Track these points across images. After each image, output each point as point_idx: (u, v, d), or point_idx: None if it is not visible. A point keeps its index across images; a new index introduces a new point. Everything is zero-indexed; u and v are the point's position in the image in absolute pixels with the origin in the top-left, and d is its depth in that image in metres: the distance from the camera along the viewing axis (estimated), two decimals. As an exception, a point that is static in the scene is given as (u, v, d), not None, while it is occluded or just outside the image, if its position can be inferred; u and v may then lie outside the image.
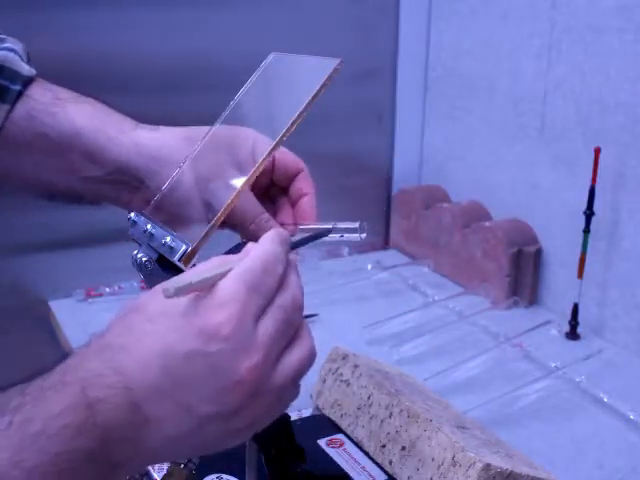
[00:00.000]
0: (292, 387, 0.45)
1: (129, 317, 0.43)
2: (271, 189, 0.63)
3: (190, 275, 0.43)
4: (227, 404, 0.42)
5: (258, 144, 0.57)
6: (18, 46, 0.64)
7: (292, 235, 0.59)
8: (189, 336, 0.41)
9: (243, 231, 0.60)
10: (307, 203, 0.61)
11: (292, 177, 0.62)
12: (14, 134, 0.61)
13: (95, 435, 0.39)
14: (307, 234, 0.58)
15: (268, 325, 0.43)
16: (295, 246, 0.50)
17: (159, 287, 0.43)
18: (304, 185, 0.62)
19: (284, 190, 0.63)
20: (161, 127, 0.63)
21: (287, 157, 0.61)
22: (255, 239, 0.49)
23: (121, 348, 0.42)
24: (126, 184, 0.61)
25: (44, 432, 0.38)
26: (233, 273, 0.43)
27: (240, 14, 1.13)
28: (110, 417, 0.40)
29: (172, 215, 0.56)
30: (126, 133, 0.62)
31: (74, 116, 0.61)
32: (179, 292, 0.41)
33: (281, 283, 0.45)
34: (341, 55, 0.53)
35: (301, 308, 0.46)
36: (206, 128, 0.60)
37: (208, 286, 0.43)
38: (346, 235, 0.57)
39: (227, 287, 0.42)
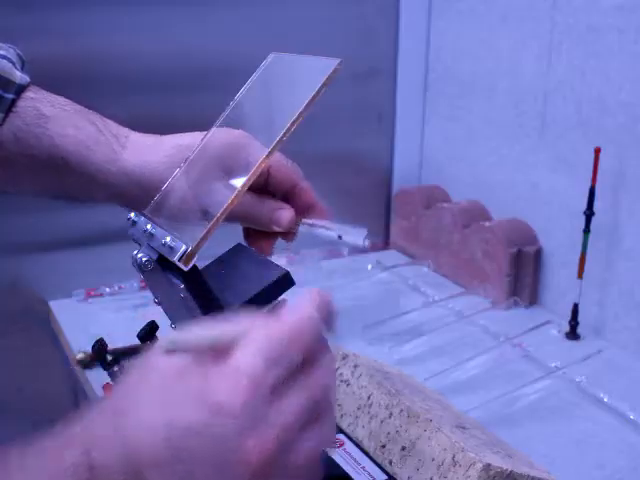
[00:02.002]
0: (311, 467, 0.42)
1: (137, 379, 0.42)
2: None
3: (195, 331, 0.41)
4: None
5: (252, 153, 0.56)
6: (10, 52, 0.64)
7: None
8: (195, 408, 0.39)
9: (256, 224, 0.60)
10: (304, 194, 0.60)
11: (288, 190, 0.61)
12: (3, 154, 0.61)
13: None
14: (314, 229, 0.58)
15: (288, 405, 0.39)
16: None
17: (161, 344, 0.41)
18: (305, 199, 0.60)
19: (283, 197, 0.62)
20: (146, 145, 0.62)
21: (280, 172, 0.60)
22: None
23: (128, 413, 0.41)
24: (117, 202, 0.62)
25: None
26: (254, 344, 0.39)
27: (240, 14, 1.13)
28: None
29: (171, 215, 0.56)
30: (112, 161, 0.61)
31: (59, 142, 0.61)
32: (176, 347, 0.40)
33: (310, 358, 0.41)
34: (341, 55, 0.53)
35: (331, 389, 0.42)
36: (191, 143, 0.60)
37: (211, 345, 0.40)
38: (348, 239, 0.57)
39: (244, 360, 0.39)
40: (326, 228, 0.58)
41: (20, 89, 0.62)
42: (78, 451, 0.39)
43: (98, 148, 0.61)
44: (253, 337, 0.40)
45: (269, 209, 0.59)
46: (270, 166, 0.59)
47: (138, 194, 0.60)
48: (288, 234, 0.60)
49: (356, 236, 0.56)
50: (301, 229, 0.60)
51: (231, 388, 0.38)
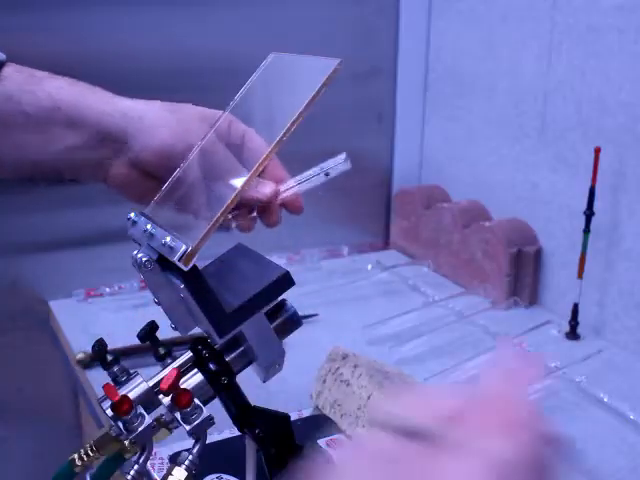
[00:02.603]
0: None
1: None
2: None
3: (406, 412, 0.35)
4: None
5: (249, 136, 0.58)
6: None
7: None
8: None
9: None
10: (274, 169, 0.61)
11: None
12: None
13: None
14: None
15: None
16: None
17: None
18: (276, 170, 0.61)
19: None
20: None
21: (254, 140, 0.60)
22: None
23: None
24: (107, 148, 0.62)
25: None
26: (491, 460, 0.33)
27: (240, 14, 1.13)
28: None
29: (171, 215, 0.56)
30: (108, 98, 0.62)
31: (52, 91, 0.61)
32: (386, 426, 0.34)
33: None
34: (341, 55, 0.53)
35: None
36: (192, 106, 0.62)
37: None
38: (333, 172, 0.57)
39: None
40: (308, 179, 0.59)
41: (0, 64, 0.62)
42: None
43: (94, 94, 0.62)
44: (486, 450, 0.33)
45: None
46: (244, 137, 0.60)
47: (126, 126, 0.60)
48: (269, 214, 0.60)
49: (339, 164, 0.57)
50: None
51: None
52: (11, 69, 0.62)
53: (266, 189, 0.59)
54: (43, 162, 0.63)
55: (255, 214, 0.61)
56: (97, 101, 0.61)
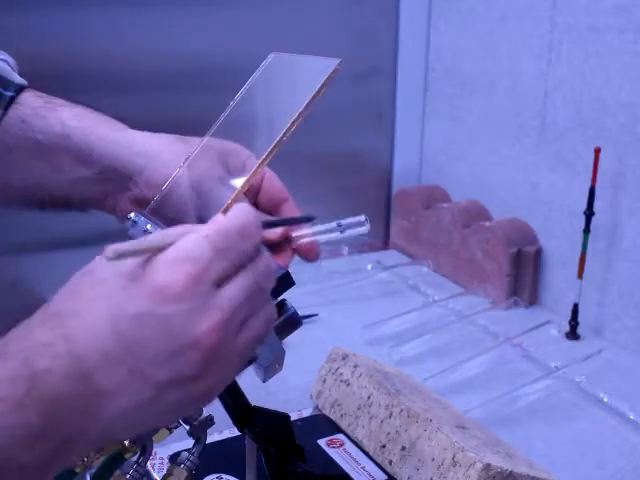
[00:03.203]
0: (246, 355, 0.44)
1: (77, 282, 0.42)
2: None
3: (139, 240, 0.41)
4: (185, 368, 0.39)
5: (248, 155, 0.57)
6: (9, 59, 0.65)
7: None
8: (139, 296, 0.39)
9: None
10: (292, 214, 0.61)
11: (277, 204, 0.62)
12: (3, 139, 0.61)
13: (39, 409, 0.37)
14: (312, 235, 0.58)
15: (235, 289, 0.41)
16: (275, 224, 0.51)
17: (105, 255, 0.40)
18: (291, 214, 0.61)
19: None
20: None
21: (273, 182, 0.61)
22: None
23: (69, 314, 0.40)
24: (114, 182, 0.61)
25: None
26: (201, 233, 0.40)
27: (240, 14, 1.13)
28: (58, 388, 0.37)
29: (169, 217, 0.56)
30: (117, 132, 0.62)
31: (65, 118, 0.61)
32: (121, 256, 0.39)
33: (254, 251, 0.43)
34: (341, 55, 0.53)
35: (273, 276, 0.45)
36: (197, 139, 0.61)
37: (156, 248, 0.40)
38: (349, 231, 0.56)
39: (187, 245, 0.40)
40: (325, 231, 0.58)
41: (20, 89, 0.62)
42: (16, 361, 0.38)
43: (103, 122, 0.62)
44: (200, 229, 0.41)
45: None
46: (262, 182, 0.60)
47: (134, 161, 0.60)
48: (281, 257, 0.60)
49: (357, 226, 0.56)
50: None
51: (177, 273, 0.39)
52: (30, 94, 0.62)
53: (277, 228, 0.59)
54: (51, 189, 0.63)
55: None
56: (108, 133, 0.61)
